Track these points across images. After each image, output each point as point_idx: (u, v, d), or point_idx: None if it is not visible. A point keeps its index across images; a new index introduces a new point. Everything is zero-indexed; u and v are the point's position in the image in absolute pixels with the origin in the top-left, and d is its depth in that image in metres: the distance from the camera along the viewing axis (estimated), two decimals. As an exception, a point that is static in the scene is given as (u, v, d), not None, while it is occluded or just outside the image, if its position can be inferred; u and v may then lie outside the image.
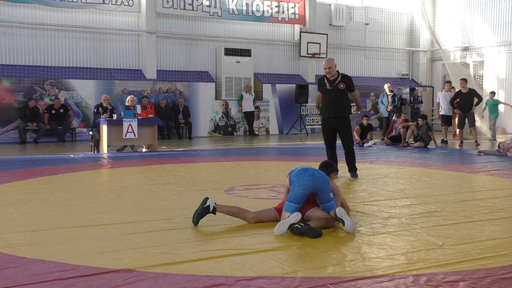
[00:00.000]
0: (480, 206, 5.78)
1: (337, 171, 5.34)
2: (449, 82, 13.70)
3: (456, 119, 13.78)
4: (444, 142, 13.73)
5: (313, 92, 18.80)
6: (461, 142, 13.25)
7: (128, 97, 12.49)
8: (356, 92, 7.93)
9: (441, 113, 13.60)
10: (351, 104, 8.39)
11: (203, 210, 4.83)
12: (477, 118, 15.15)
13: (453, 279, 3.39)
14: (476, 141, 13.22)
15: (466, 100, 13.03)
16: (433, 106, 21.36)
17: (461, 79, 13.67)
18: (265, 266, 3.64)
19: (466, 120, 13.22)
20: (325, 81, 7.76)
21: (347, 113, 7.82)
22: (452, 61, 19.57)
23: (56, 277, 3.39)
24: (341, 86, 7.66)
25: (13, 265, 3.62)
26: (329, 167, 5.23)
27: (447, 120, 13.75)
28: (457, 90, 13.75)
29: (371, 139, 13.98)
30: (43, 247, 4.07)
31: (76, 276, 3.40)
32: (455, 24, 20.60)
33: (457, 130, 13.71)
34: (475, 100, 13.21)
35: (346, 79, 7.77)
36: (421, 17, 21.56)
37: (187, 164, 9.68)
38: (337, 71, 7.78)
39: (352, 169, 7.89)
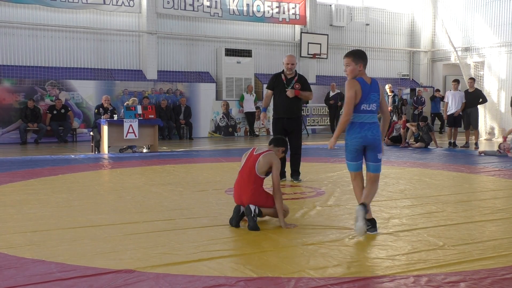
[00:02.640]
0: (481, 206, 5.78)
1: (286, 149, 5.15)
2: (457, 80, 13.54)
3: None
4: (453, 144, 13.31)
5: (314, 92, 18.79)
6: (466, 143, 13.12)
7: (130, 99, 12.53)
8: (310, 93, 7.58)
9: (448, 113, 13.43)
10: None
11: (241, 215, 4.83)
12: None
13: (454, 280, 3.39)
14: (476, 143, 13.12)
15: (471, 100, 13.08)
16: (427, 107, 21.39)
17: (470, 78, 13.79)
18: (266, 267, 3.64)
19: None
20: (283, 78, 7.42)
21: (299, 114, 7.56)
22: (465, 62, 19.46)
23: (57, 278, 3.39)
24: (297, 86, 7.37)
25: (14, 266, 3.62)
26: (278, 142, 5.20)
27: (452, 121, 13.45)
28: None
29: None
30: (43, 248, 4.07)
31: (76, 277, 3.41)
32: (456, 24, 20.59)
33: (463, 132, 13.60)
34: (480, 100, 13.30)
35: (302, 79, 7.49)
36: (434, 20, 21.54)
37: (188, 165, 9.68)
38: (295, 70, 7.52)
39: (296, 173, 7.59)
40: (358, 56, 4.62)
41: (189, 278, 3.40)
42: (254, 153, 4.97)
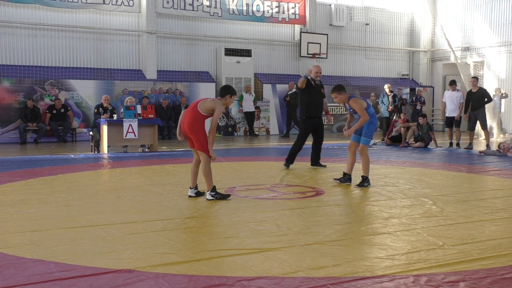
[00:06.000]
0: (480, 206, 5.78)
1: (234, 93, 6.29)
2: (453, 82, 13.15)
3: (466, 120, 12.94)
4: (456, 144, 12.95)
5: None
6: (470, 144, 12.69)
7: (127, 98, 12.52)
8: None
9: (446, 114, 13.00)
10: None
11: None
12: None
13: (453, 279, 3.39)
14: (487, 145, 12.62)
15: (475, 100, 12.56)
16: (433, 106, 21.40)
17: (472, 77, 13.27)
18: (265, 266, 3.64)
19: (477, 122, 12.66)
20: (313, 84, 8.86)
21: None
22: (464, 62, 19.33)
23: (56, 277, 3.39)
24: (323, 90, 9.06)
25: (13, 265, 3.62)
26: (224, 90, 6.21)
27: (450, 122, 13.10)
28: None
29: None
30: (43, 247, 4.07)
31: (76, 276, 3.40)
32: (456, 24, 20.59)
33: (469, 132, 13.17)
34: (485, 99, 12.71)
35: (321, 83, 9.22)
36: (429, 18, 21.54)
37: (187, 164, 9.64)
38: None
39: (318, 161, 9.12)
40: (340, 90, 6.96)
41: (189, 277, 3.40)
42: (200, 98, 6.28)
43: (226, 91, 6.20)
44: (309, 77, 8.81)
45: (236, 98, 17.34)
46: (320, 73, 8.92)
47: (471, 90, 12.80)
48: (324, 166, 9.06)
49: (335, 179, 7.36)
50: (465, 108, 12.82)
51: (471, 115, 12.69)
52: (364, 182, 7.07)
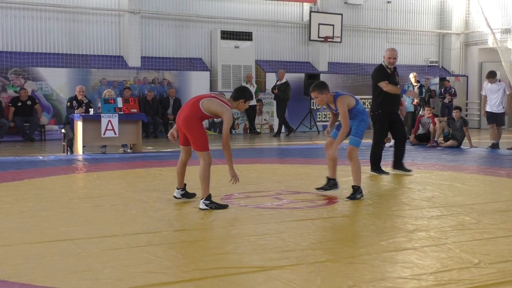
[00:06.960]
0: (523, 217, 5.77)
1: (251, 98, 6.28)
2: (493, 73, 12.83)
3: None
4: (495, 146, 12.72)
5: (326, 80, 18.77)
6: None
7: (105, 91, 12.55)
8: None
9: (487, 109, 12.84)
10: None
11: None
12: None
13: (491, 304, 3.38)
14: None
15: None
16: (467, 99, 21.37)
17: None
18: (269, 287, 3.64)
19: None
20: (389, 72, 8.60)
21: None
22: (504, 47, 19.18)
23: (21, 301, 3.39)
24: (398, 79, 8.84)
25: (-29, 287, 3.62)
26: (239, 92, 6.12)
27: (492, 118, 12.85)
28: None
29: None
30: (5, 266, 4.06)
31: (45, 300, 3.40)
32: (494, 2, 20.56)
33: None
34: None
35: (396, 70, 8.86)
36: None
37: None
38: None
39: (402, 164, 8.92)
40: (322, 88, 6.63)
41: (178, 301, 3.40)
42: (208, 93, 6.26)
43: (241, 94, 6.01)
44: (382, 63, 8.68)
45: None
46: (395, 58, 8.64)
47: None
48: (410, 170, 8.84)
49: (317, 188, 7.04)
50: None
51: None
52: (356, 193, 6.66)
